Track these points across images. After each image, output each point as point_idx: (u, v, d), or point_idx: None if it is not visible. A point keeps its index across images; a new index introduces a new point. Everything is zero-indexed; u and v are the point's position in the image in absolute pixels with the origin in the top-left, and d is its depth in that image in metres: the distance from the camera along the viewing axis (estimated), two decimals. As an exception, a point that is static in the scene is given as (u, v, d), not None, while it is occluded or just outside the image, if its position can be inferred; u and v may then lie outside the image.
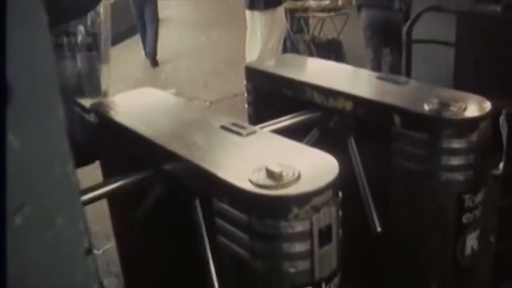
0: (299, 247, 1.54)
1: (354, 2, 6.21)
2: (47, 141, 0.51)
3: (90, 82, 2.14)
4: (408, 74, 4.50)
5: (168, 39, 10.07)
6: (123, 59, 7.78)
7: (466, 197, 2.05)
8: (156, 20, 8.23)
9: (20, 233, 0.52)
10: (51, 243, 0.54)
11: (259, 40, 6.04)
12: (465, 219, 2.08)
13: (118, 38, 7.38)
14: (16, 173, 0.49)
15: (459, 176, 2.03)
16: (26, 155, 0.49)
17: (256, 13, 5.99)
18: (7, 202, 0.50)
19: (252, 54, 6.03)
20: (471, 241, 2.14)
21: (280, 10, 6.18)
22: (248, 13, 6.10)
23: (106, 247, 3.25)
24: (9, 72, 0.47)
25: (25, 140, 0.49)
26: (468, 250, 2.14)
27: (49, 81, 0.51)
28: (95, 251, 3.24)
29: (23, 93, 0.48)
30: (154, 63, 8.19)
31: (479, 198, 2.08)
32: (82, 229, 0.57)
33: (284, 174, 1.54)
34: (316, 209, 1.51)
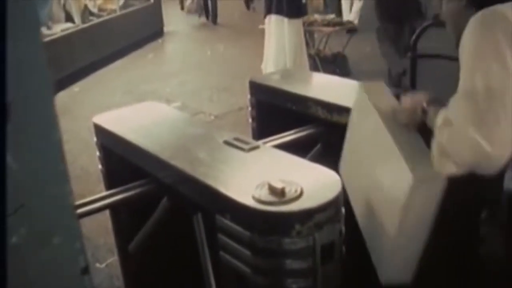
0: (302, 264, 1.53)
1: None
2: (44, 161, 0.51)
3: None
4: (414, 89, 4.49)
5: (174, 53, 10.13)
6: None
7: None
8: None
9: (17, 252, 0.51)
10: (48, 262, 0.54)
11: (287, 49, 5.81)
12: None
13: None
14: (13, 193, 0.49)
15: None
16: (23, 175, 0.49)
17: (286, 21, 5.75)
18: (5, 221, 0.50)
19: (279, 62, 5.76)
20: None
21: None
22: (274, 21, 5.81)
23: (109, 261, 3.23)
24: (8, 91, 0.47)
25: (23, 161, 0.49)
26: None
27: (46, 101, 0.51)
28: (98, 265, 3.24)
29: (21, 113, 0.48)
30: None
31: None
32: (78, 248, 0.57)
33: (286, 190, 1.54)
34: (319, 226, 1.51)
